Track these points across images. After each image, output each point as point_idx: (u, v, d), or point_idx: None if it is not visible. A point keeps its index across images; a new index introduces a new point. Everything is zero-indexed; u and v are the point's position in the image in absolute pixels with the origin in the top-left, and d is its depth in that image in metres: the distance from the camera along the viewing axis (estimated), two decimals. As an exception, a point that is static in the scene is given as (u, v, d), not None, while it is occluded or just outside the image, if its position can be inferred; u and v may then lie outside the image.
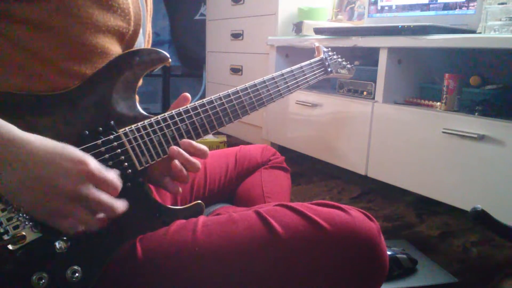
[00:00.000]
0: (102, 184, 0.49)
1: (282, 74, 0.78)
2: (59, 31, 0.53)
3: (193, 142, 0.62)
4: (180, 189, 0.65)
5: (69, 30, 0.53)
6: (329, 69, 0.95)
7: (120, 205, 0.51)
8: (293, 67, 0.82)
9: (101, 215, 0.50)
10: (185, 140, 0.62)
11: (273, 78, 0.76)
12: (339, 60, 1.03)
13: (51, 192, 0.46)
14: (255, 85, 0.72)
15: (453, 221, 1.30)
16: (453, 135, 1.16)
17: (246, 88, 0.71)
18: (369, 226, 0.55)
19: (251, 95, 0.71)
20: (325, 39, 1.60)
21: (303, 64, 0.85)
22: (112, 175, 0.51)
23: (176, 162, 0.61)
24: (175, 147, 0.60)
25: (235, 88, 0.69)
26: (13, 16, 0.51)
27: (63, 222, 0.48)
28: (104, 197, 0.49)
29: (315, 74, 0.89)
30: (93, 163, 0.48)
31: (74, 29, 0.53)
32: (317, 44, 0.98)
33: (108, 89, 0.58)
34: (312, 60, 0.90)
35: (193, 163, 0.61)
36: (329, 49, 1.00)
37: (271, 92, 0.75)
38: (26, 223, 0.49)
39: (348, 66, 1.09)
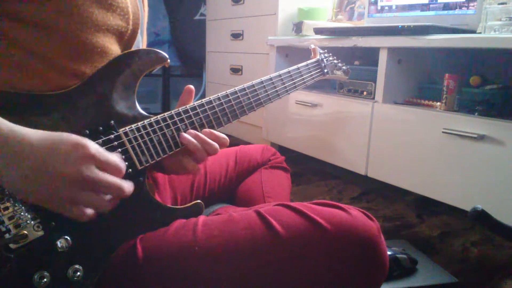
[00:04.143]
0: (105, 165, 0.49)
1: (280, 75, 0.79)
2: (59, 30, 0.53)
3: (214, 131, 0.65)
4: (200, 168, 0.67)
5: (69, 29, 0.53)
6: (325, 70, 0.96)
7: (127, 185, 0.51)
8: (290, 68, 0.83)
9: (109, 197, 0.50)
10: (206, 129, 0.65)
11: (270, 79, 0.76)
12: (335, 61, 1.04)
13: (56, 180, 0.46)
14: (253, 86, 0.73)
15: (453, 221, 1.30)
16: (453, 135, 1.16)
17: (244, 89, 0.71)
18: (369, 226, 0.55)
19: (249, 95, 0.72)
20: (325, 39, 1.60)
21: (299, 65, 0.86)
22: (115, 157, 0.51)
23: (192, 139, 0.62)
24: (192, 131, 0.63)
25: (233, 89, 0.70)
26: (14, 15, 0.51)
27: (73, 209, 0.48)
28: (109, 177, 0.49)
29: (311, 75, 0.89)
30: (92, 146, 0.49)
31: (74, 28, 0.54)
32: (313, 46, 0.98)
33: (108, 89, 0.58)
34: (308, 62, 0.90)
35: (212, 144, 0.63)
36: (325, 50, 1.00)
37: (268, 92, 0.75)
38: (28, 222, 0.49)
39: (344, 67, 1.09)
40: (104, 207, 0.50)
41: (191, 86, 0.67)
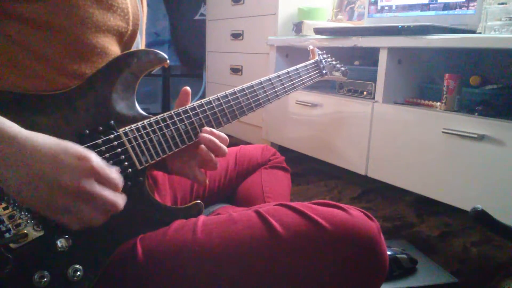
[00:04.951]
0: (105, 180, 0.49)
1: (279, 76, 0.79)
2: (59, 30, 0.53)
3: (214, 130, 0.65)
4: (207, 181, 0.69)
5: (70, 30, 0.54)
6: (324, 71, 0.96)
7: (122, 201, 0.51)
8: (289, 69, 0.83)
9: (103, 211, 0.50)
10: (207, 128, 0.65)
11: (269, 80, 0.77)
12: (334, 62, 1.04)
13: (54, 188, 0.46)
14: (252, 86, 0.73)
15: (453, 221, 1.30)
16: (453, 135, 1.16)
17: (243, 89, 0.71)
18: (369, 226, 0.55)
19: (248, 96, 0.72)
20: (325, 39, 1.60)
21: (298, 66, 0.87)
22: (114, 173, 0.51)
23: (203, 147, 0.64)
24: (205, 134, 0.64)
25: (232, 89, 0.70)
26: (14, 15, 0.51)
27: (66, 218, 0.48)
28: (107, 193, 0.49)
29: (310, 76, 0.90)
30: (96, 159, 0.49)
31: (74, 28, 0.54)
32: (311, 47, 0.98)
33: (108, 89, 0.58)
34: (307, 63, 0.91)
35: (221, 147, 0.64)
36: (324, 51, 1.00)
37: (267, 93, 0.76)
38: (28, 221, 0.49)
39: (342, 68, 1.09)
40: (95, 221, 0.49)
41: (188, 88, 0.67)
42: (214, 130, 0.65)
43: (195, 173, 0.67)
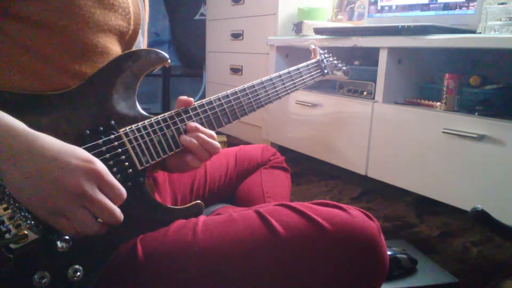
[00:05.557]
0: (107, 187, 0.49)
1: (280, 75, 0.79)
2: (60, 30, 0.53)
3: (199, 126, 0.64)
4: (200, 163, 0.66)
5: (71, 29, 0.54)
6: (326, 71, 0.96)
7: (120, 215, 0.50)
8: (290, 69, 0.83)
9: (100, 220, 0.49)
10: (191, 123, 0.64)
11: (270, 79, 0.76)
12: (335, 62, 1.04)
13: (55, 188, 0.46)
14: (253, 86, 0.73)
15: (453, 221, 1.30)
16: (453, 135, 1.16)
17: (244, 89, 0.71)
18: (369, 226, 0.55)
19: (249, 96, 0.72)
20: (325, 39, 1.60)
21: (300, 65, 0.86)
22: (118, 183, 0.50)
23: (194, 141, 0.62)
24: (192, 124, 0.63)
25: (233, 89, 0.70)
26: (15, 14, 0.51)
27: (63, 222, 0.47)
28: (107, 200, 0.48)
29: (312, 75, 0.90)
30: (100, 164, 0.49)
31: (75, 28, 0.54)
32: (313, 46, 0.98)
33: (109, 89, 0.58)
34: (308, 62, 0.90)
35: (212, 143, 0.63)
36: (325, 51, 1.00)
37: (268, 93, 0.75)
38: (28, 222, 0.49)
39: (344, 68, 1.09)
40: (91, 229, 0.48)
41: (192, 100, 0.66)
42: (198, 126, 0.64)
43: (189, 163, 0.64)
